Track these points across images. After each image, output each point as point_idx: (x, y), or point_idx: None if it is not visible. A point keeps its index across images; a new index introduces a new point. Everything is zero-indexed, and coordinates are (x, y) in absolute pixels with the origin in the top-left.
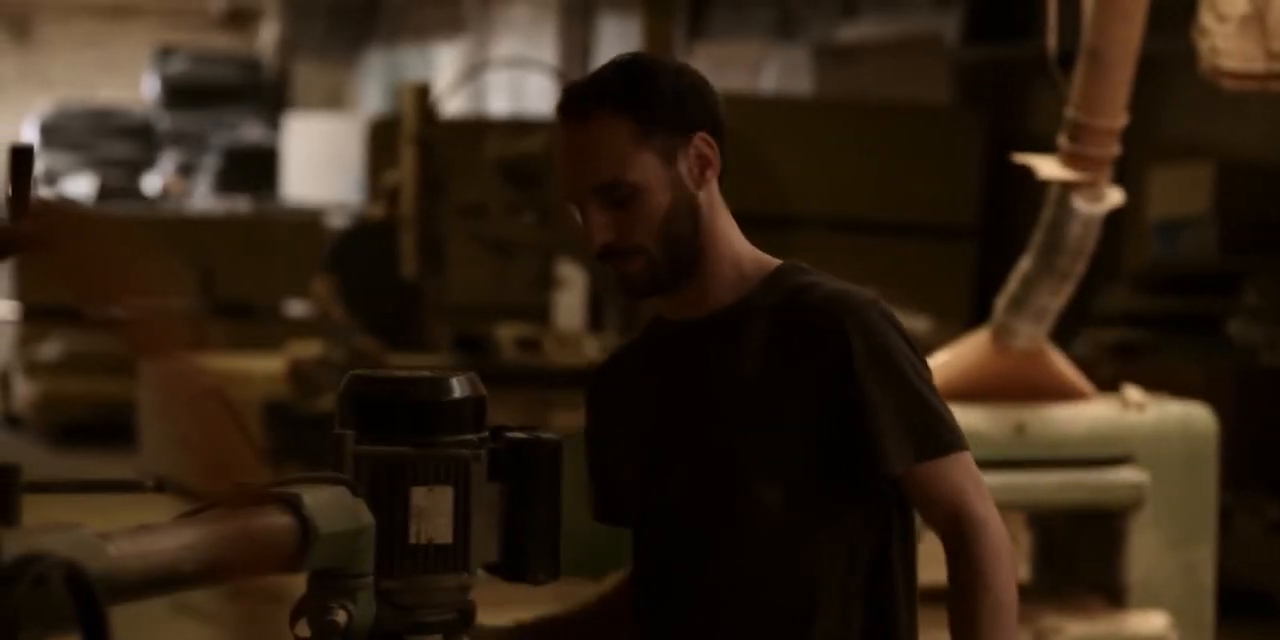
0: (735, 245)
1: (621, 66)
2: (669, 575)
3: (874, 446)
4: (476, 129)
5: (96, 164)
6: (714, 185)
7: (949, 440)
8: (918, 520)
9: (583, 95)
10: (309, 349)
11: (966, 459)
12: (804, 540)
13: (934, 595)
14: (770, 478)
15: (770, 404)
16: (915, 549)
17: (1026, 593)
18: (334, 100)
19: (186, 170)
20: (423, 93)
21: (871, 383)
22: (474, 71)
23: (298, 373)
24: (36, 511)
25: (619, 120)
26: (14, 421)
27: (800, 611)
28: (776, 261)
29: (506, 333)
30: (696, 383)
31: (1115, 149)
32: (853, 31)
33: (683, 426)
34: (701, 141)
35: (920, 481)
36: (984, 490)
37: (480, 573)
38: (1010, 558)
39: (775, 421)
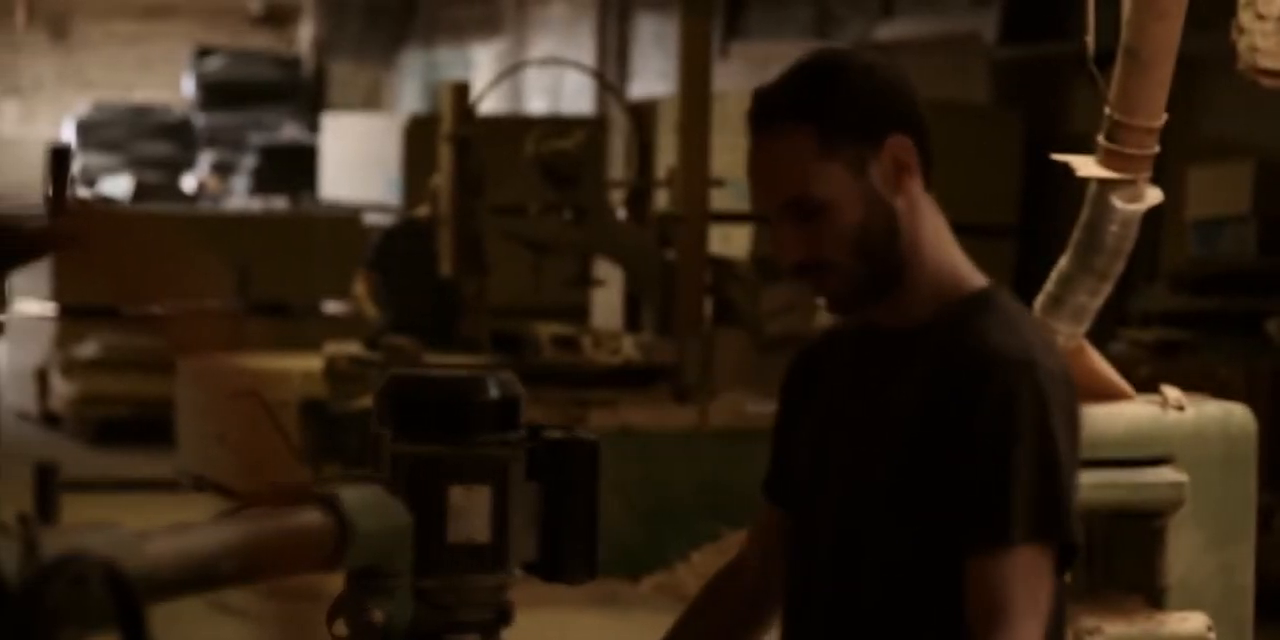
0: (940, 255)
1: (804, 71)
2: (808, 570)
3: (958, 518)
4: (514, 127)
5: (134, 163)
6: (915, 190)
7: (1027, 530)
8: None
9: (765, 105)
10: (346, 348)
11: (1034, 556)
12: (917, 587)
13: None
14: (902, 516)
15: (914, 442)
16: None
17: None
18: (371, 100)
19: (224, 170)
20: (461, 91)
21: (984, 452)
22: (511, 70)
23: (335, 372)
24: (75, 510)
25: (801, 132)
26: (52, 420)
27: None
28: (978, 283)
29: (544, 332)
30: (865, 397)
31: (1154, 148)
32: (890, 31)
33: (845, 437)
34: (896, 146)
35: (976, 564)
36: (1038, 601)
37: (517, 572)
38: None
39: (915, 462)
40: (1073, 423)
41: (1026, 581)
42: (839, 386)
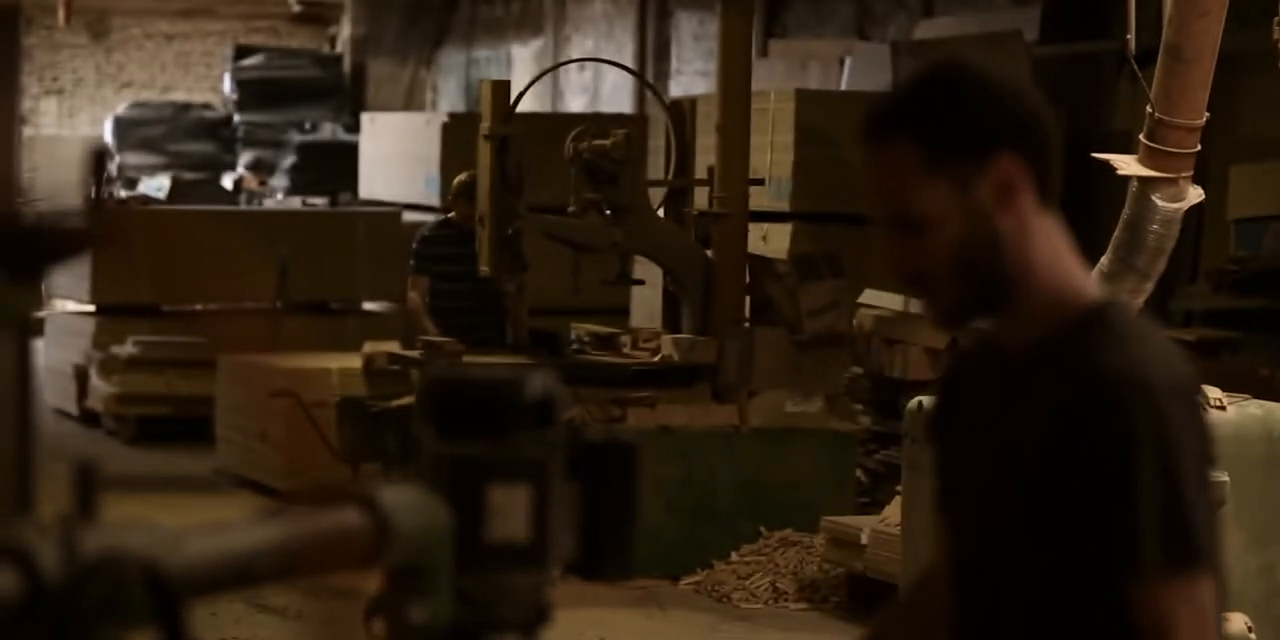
0: (1054, 274)
1: (917, 85)
2: (958, 585)
3: (1089, 553)
4: (554, 126)
5: (173, 162)
6: (1025, 208)
7: (1164, 558)
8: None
9: (876, 118)
10: (385, 347)
11: (1186, 583)
12: (1055, 614)
13: None
14: (1029, 538)
15: (1033, 467)
16: None
17: None
18: (410, 99)
19: (263, 169)
20: (501, 90)
21: (1104, 481)
22: (552, 68)
23: (373, 370)
24: (113, 508)
25: (908, 148)
26: (91, 418)
27: None
28: (1092, 298)
29: (583, 331)
30: (991, 417)
31: (1196, 146)
32: (931, 29)
33: (976, 457)
34: (1004, 165)
35: (1131, 600)
36: (1204, 630)
37: (556, 571)
38: None
39: (1034, 486)
40: (1196, 439)
41: (1185, 612)
42: (972, 403)
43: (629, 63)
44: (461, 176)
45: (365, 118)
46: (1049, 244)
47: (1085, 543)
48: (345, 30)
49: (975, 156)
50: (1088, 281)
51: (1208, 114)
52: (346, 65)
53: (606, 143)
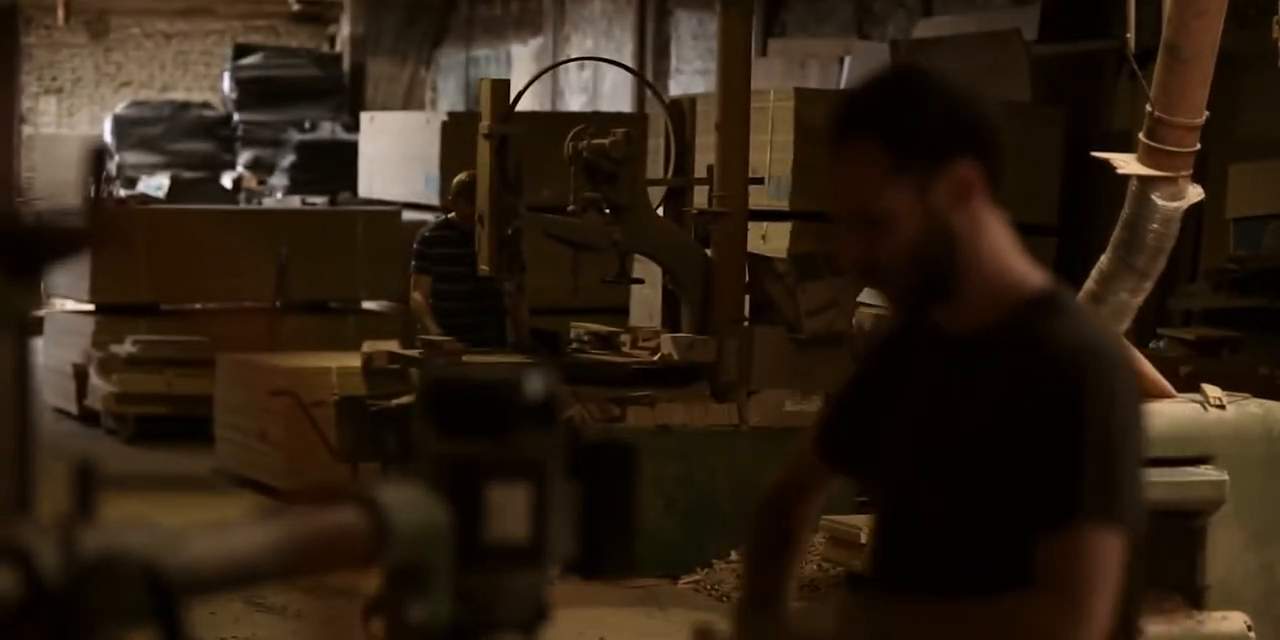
0: (999, 266)
1: (881, 89)
2: (894, 539)
3: (1026, 502)
4: (553, 125)
5: (172, 161)
6: (978, 208)
7: (1090, 511)
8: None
9: (843, 118)
10: (384, 346)
11: (1102, 538)
12: (1009, 576)
13: None
14: (983, 521)
15: (986, 445)
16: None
17: None
18: (410, 98)
19: (262, 168)
20: (500, 89)
21: (1052, 437)
22: (552, 67)
23: (372, 369)
24: (112, 508)
25: (872, 150)
26: (90, 417)
27: None
28: (1039, 285)
29: (583, 330)
30: (938, 399)
31: (1195, 145)
32: (930, 28)
33: (923, 433)
34: (963, 170)
35: (1045, 544)
36: (1108, 582)
37: (556, 570)
38: None
39: (989, 463)
40: (1140, 414)
41: (1096, 561)
42: (912, 382)
43: (628, 62)
44: (461, 176)
45: (364, 117)
46: (996, 239)
47: (1023, 496)
48: (344, 29)
49: (937, 161)
50: (1033, 272)
51: (1207, 113)
52: (346, 64)
53: (606, 142)
